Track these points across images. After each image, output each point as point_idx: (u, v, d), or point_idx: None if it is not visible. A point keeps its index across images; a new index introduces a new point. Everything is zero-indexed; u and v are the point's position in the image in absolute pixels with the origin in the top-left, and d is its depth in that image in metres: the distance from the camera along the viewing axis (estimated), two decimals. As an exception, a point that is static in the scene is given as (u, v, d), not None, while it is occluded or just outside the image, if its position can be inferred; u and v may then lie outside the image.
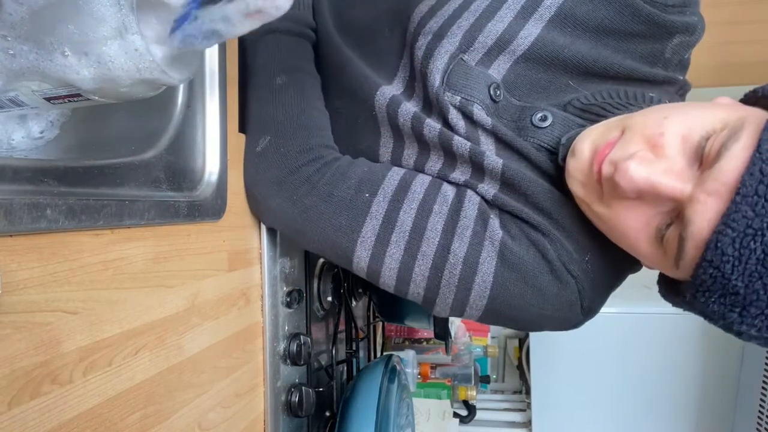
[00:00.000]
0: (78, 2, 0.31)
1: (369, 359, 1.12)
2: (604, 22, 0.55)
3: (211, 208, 0.53)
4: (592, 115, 0.55)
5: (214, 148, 0.54)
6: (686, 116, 0.43)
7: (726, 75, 1.40)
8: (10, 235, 0.32)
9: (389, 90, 0.58)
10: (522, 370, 1.84)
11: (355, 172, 0.56)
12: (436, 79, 0.55)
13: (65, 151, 0.51)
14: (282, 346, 0.66)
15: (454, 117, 0.55)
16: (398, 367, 0.90)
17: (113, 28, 0.31)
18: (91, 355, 0.37)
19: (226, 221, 0.55)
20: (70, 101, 0.36)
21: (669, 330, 1.42)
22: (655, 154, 0.43)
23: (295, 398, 0.67)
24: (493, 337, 1.87)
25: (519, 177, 0.53)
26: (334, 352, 0.82)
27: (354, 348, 0.93)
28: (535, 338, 1.55)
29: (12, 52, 0.32)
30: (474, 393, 1.55)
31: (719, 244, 0.38)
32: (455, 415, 1.52)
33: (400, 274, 0.54)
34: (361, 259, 0.55)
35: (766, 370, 1.31)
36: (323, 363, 0.81)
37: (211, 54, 0.54)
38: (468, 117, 0.55)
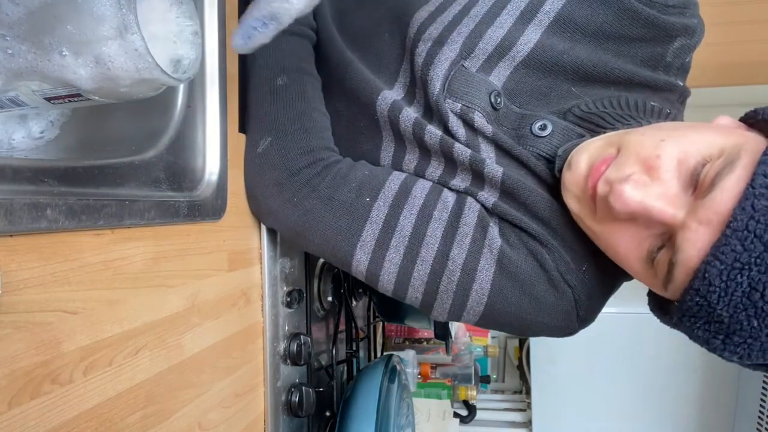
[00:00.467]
0: (78, 2, 0.31)
1: (369, 359, 1.11)
2: (603, 26, 0.55)
3: (212, 208, 0.53)
4: (592, 124, 0.55)
5: (215, 148, 0.54)
6: (683, 139, 0.43)
7: (726, 75, 1.40)
8: (11, 235, 0.32)
9: (390, 95, 0.58)
10: (522, 370, 1.84)
11: (355, 175, 0.56)
12: (436, 86, 0.55)
13: (65, 151, 0.51)
14: (282, 346, 0.66)
15: (455, 124, 0.55)
16: (398, 367, 0.90)
17: (113, 27, 0.31)
18: (91, 355, 0.37)
19: (226, 221, 0.55)
20: (70, 101, 0.36)
21: (669, 330, 1.41)
22: (651, 177, 0.43)
23: (296, 398, 0.67)
24: (493, 337, 1.87)
25: (519, 186, 0.53)
26: (334, 352, 0.82)
27: (354, 348, 0.93)
28: (536, 338, 1.55)
29: (10, 52, 0.32)
30: (474, 393, 1.55)
31: (707, 275, 0.39)
32: (455, 415, 1.52)
33: (399, 278, 0.54)
34: (360, 263, 0.55)
35: (766, 370, 1.31)
36: (323, 363, 0.81)
37: (212, 54, 0.54)
38: (468, 124, 0.55)
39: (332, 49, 0.63)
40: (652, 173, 0.43)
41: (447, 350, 1.27)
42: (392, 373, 0.86)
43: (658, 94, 0.58)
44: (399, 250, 0.53)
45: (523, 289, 0.52)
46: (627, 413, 1.50)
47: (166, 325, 0.45)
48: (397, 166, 0.60)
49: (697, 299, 0.40)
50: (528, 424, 1.64)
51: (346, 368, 0.92)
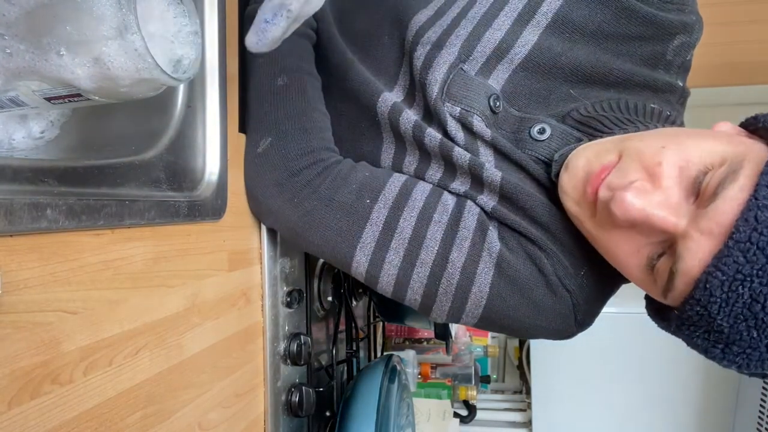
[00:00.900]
0: (78, 1, 0.31)
1: (369, 359, 1.11)
2: (602, 25, 0.55)
3: (212, 208, 0.53)
4: (590, 128, 0.54)
5: (215, 148, 0.54)
6: (684, 147, 0.43)
7: (726, 75, 1.40)
8: (11, 235, 0.32)
9: (391, 97, 0.58)
10: (522, 370, 1.84)
11: (356, 177, 0.56)
12: (434, 90, 0.55)
13: (66, 151, 0.51)
14: (282, 346, 0.66)
15: (453, 128, 0.55)
16: (398, 367, 0.90)
17: (113, 27, 0.31)
18: (91, 355, 0.37)
19: (227, 221, 0.55)
20: (70, 101, 0.36)
21: (669, 330, 1.42)
22: (652, 184, 0.43)
23: (296, 398, 0.67)
24: (493, 338, 1.87)
25: (517, 191, 0.53)
26: (334, 352, 0.82)
27: (354, 348, 0.93)
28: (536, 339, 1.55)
29: (9, 51, 0.32)
30: (474, 393, 1.55)
31: (708, 285, 0.39)
32: (455, 415, 1.52)
33: (398, 280, 0.54)
34: (359, 264, 0.55)
35: (766, 370, 1.31)
36: (323, 363, 0.81)
37: (212, 53, 0.54)
38: (467, 128, 0.55)
39: (333, 50, 0.63)
40: (654, 181, 0.43)
41: (447, 350, 1.27)
42: (392, 373, 0.86)
43: (659, 96, 0.58)
44: (399, 252, 0.53)
45: (521, 293, 0.52)
46: (627, 413, 1.50)
47: (166, 325, 0.45)
48: (397, 167, 0.60)
49: (698, 309, 0.40)
50: (528, 424, 1.64)
51: (346, 368, 0.92)
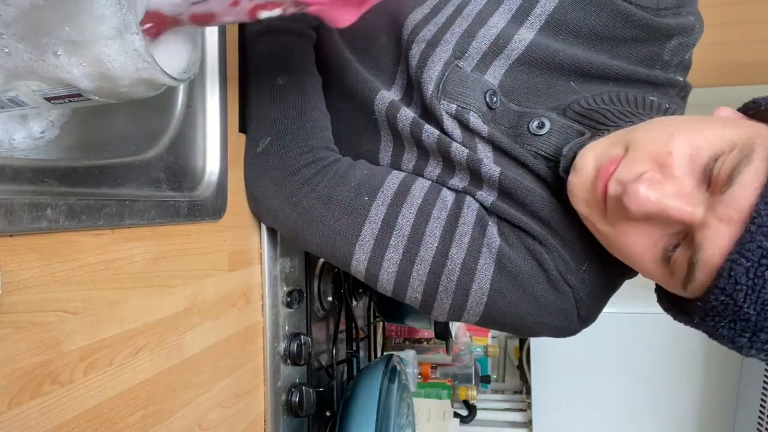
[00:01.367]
0: (77, 1, 0.31)
1: (369, 359, 1.11)
2: (596, 28, 0.55)
3: (212, 208, 0.53)
4: (592, 121, 0.54)
5: (215, 148, 0.54)
6: (693, 134, 0.42)
7: (726, 75, 1.40)
8: (11, 235, 0.32)
9: (388, 95, 0.58)
10: (522, 370, 1.84)
11: (354, 174, 0.56)
12: (429, 88, 0.55)
13: (66, 151, 0.51)
14: (282, 346, 0.66)
15: (450, 125, 0.55)
16: (399, 367, 0.90)
17: (113, 27, 0.31)
18: (91, 355, 0.37)
19: (227, 221, 0.55)
20: (70, 101, 0.36)
21: (669, 330, 1.42)
22: (663, 174, 0.42)
23: (296, 398, 0.67)
24: (493, 337, 1.87)
25: (516, 186, 0.53)
26: (334, 352, 0.82)
27: (354, 348, 0.93)
28: (536, 338, 1.55)
29: (7, 50, 0.32)
30: (474, 393, 1.55)
31: (732, 273, 0.38)
32: (456, 415, 1.52)
33: (398, 278, 0.54)
34: (359, 263, 0.55)
35: (766, 370, 1.31)
36: (323, 363, 0.81)
37: (212, 53, 0.54)
38: (464, 125, 0.55)
39: (331, 49, 0.63)
40: (665, 171, 0.42)
41: (447, 350, 1.27)
42: (392, 373, 0.86)
43: (659, 89, 0.57)
44: (398, 249, 0.53)
45: (522, 288, 0.52)
46: (627, 413, 1.50)
47: (166, 325, 0.45)
48: (395, 165, 0.60)
49: (723, 298, 0.39)
50: (528, 424, 1.64)
51: (346, 368, 0.92)
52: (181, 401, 0.48)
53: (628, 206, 0.42)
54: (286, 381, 0.67)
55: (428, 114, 0.57)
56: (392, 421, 0.79)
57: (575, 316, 0.54)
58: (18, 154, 0.48)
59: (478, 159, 0.54)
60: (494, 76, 0.56)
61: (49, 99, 0.36)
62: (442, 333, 1.14)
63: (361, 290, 0.96)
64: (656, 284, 0.51)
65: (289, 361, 0.67)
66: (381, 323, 1.29)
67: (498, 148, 0.55)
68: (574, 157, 0.50)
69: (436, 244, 0.52)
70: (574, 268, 0.53)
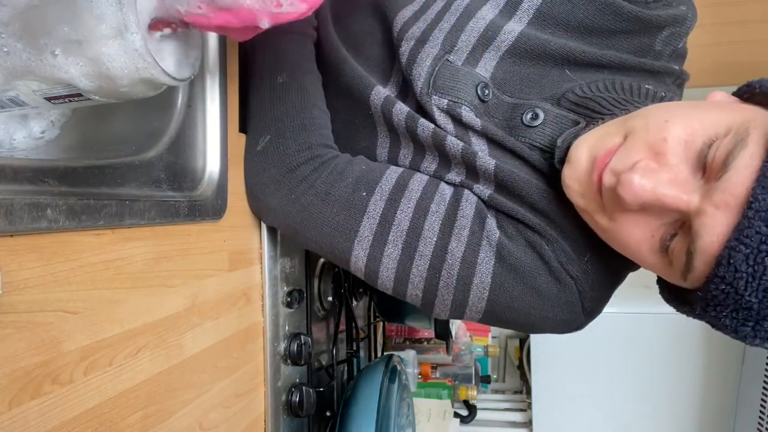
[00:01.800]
0: (77, 1, 0.31)
1: (369, 359, 1.11)
2: (585, 21, 0.55)
3: (212, 208, 0.53)
4: (587, 110, 0.53)
5: (215, 147, 0.54)
6: (688, 119, 0.42)
7: (726, 75, 1.40)
8: (11, 235, 0.32)
9: (384, 91, 0.58)
10: (523, 370, 1.84)
11: (352, 170, 0.56)
12: (419, 84, 0.55)
13: (66, 151, 0.51)
14: (282, 346, 0.66)
15: (443, 121, 0.55)
16: (399, 367, 0.90)
17: (113, 27, 0.31)
18: (91, 355, 0.37)
19: (227, 221, 0.55)
20: (70, 101, 0.36)
21: (669, 330, 1.42)
22: (658, 162, 0.41)
23: (296, 398, 0.67)
24: (493, 337, 1.87)
25: (513, 178, 0.52)
26: (334, 351, 0.82)
27: (354, 348, 0.93)
28: (536, 338, 1.55)
29: (6, 50, 0.32)
30: (474, 393, 1.55)
31: (732, 260, 0.37)
32: (456, 415, 1.52)
33: (398, 274, 0.53)
34: (358, 259, 0.54)
35: (767, 369, 1.31)
36: (324, 363, 0.81)
37: (212, 53, 0.54)
38: (456, 119, 0.55)
39: (329, 47, 0.63)
40: (660, 158, 0.41)
41: (447, 350, 1.27)
42: (392, 373, 0.86)
43: (655, 78, 0.57)
44: (397, 244, 0.53)
45: (524, 282, 0.51)
46: (627, 413, 1.50)
47: (166, 325, 0.45)
48: (393, 161, 0.60)
49: (723, 287, 0.38)
50: (528, 424, 1.64)
51: (346, 368, 0.92)
52: (181, 401, 0.48)
53: (623, 196, 0.41)
54: (287, 381, 0.67)
55: (422, 110, 0.57)
56: (392, 421, 0.79)
57: (579, 309, 0.53)
58: (18, 154, 0.48)
59: (473, 152, 0.53)
60: (485, 68, 0.56)
61: (49, 99, 0.36)
62: (443, 333, 1.14)
63: (361, 290, 0.96)
64: (657, 276, 0.50)
65: (289, 361, 0.67)
66: (381, 323, 1.29)
67: (492, 141, 0.55)
68: (568, 148, 0.49)
69: (435, 239, 0.52)
70: (575, 258, 0.52)
